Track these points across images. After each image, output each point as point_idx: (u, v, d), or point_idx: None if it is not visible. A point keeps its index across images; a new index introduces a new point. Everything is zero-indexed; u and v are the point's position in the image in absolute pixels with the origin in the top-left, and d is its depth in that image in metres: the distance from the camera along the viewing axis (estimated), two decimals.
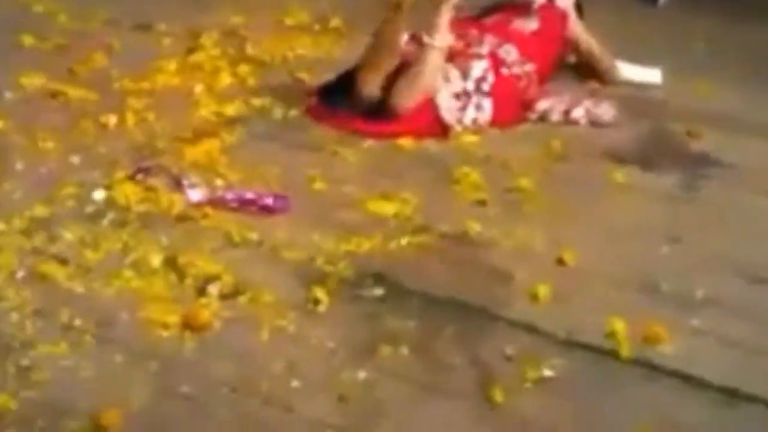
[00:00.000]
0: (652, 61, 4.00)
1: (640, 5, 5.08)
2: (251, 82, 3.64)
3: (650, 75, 3.92)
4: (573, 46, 3.86)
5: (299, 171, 2.99)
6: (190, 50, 3.87)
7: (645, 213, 2.91)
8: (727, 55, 4.28)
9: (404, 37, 3.35)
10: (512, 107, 3.46)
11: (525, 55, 3.54)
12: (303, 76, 3.69)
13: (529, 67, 3.55)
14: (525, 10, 3.76)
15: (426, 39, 3.26)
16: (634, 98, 3.72)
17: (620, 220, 2.84)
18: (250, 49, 3.92)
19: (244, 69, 3.71)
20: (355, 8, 4.50)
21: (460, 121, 3.32)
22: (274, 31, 4.16)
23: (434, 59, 3.28)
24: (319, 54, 3.97)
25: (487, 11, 3.88)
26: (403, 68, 3.30)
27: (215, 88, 3.56)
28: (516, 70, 3.50)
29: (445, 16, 3.28)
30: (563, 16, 3.80)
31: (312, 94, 3.48)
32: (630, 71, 3.93)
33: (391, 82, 3.28)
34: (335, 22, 4.29)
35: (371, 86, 3.30)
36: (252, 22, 4.22)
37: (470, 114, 3.33)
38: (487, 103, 3.37)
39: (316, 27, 4.26)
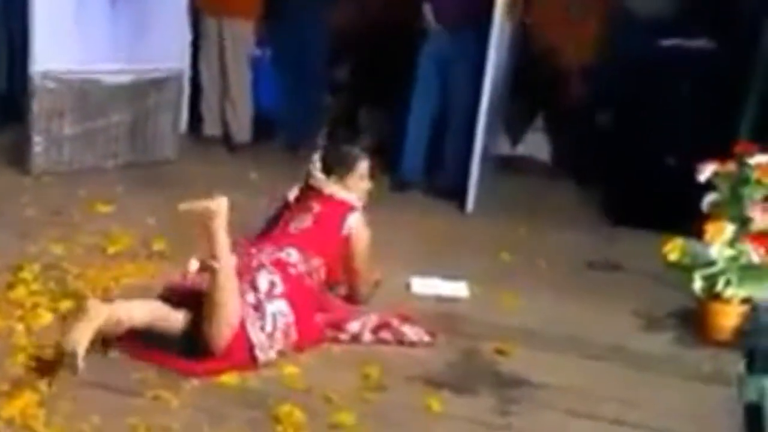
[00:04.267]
0: (459, 269, 4.25)
1: (447, 211, 5.41)
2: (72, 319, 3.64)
3: (456, 289, 4.16)
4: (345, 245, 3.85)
5: (120, 420, 2.98)
6: (10, 286, 3.85)
7: None
8: (534, 263, 4.61)
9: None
10: (311, 307, 3.59)
11: (308, 252, 3.68)
12: None
13: (316, 262, 3.70)
14: (303, 209, 3.87)
15: (212, 264, 3.28)
16: (444, 315, 3.93)
17: None
18: (71, 282, 3.94)
19: (65, 305, 3.71)
20: (178, 228, 4.60)
21: (264, 332, 3.36)
22: (96, 259, 4.20)
23: (225, 282, 3.30)
24: (142, 281, 4.02)
25: (271, 222, 3.98)
26: (203, 301, 3.34)
27: (34, 328, 3.54)
28: (302, 267, 3.62)
29: (220, 236, 3.30)
30: (344, 208, 3.87)
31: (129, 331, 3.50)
32: (436, 286, 4.15)
33: (196, 316, 3.34)
34: (158, 245, 4.38)
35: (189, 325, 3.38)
36: (74, 252, 4.26)
37: (271, 320, 3.39)
38: (284, 305, 3.45)
39: (140, 252, 4.34)
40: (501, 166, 6.05)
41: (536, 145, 6.41)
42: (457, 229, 5.10)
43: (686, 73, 5.23)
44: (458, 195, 5.42)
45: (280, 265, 3.58)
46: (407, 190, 5.69)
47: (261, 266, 3.54)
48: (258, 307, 3.41)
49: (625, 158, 5.37)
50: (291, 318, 3.47)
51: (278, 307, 3.45)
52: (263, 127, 6.41)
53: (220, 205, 3.30)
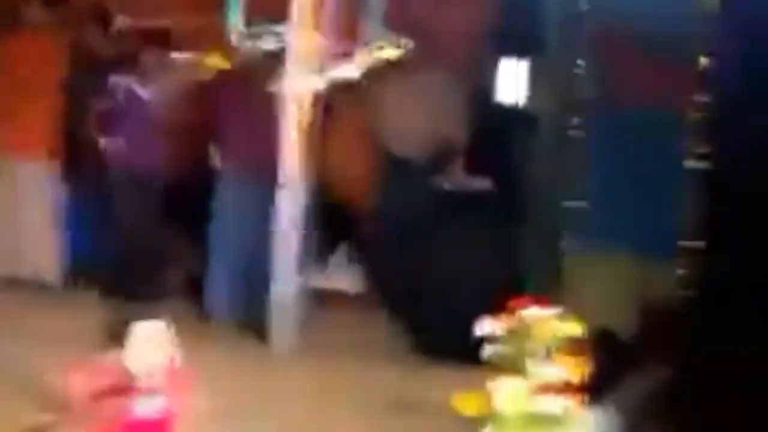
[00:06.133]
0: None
1: (254, 350, 5.46)
2: None
3: None
4: None
5: None
6: None
7: None
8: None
9: None
10: None
11: None
12: None
13: None
14: None
15: None
16: None
17: None
18: None
19: None
20: None
21: None
22: None
23: None
24: None
25: None
26: None
27: None
28: None
29: None
30: None
31: None
32: None
33: None
34: None
35: None
36: None
37: None
38: None
39: None
40: (315, 300, 6.05)
41: (345, 278, 6.57)
42: (266, 372, 5.14)
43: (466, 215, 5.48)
44: (265, 333, 5.51)
45: None
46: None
47: None
48: None
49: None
50: None
51: None
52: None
53: None
